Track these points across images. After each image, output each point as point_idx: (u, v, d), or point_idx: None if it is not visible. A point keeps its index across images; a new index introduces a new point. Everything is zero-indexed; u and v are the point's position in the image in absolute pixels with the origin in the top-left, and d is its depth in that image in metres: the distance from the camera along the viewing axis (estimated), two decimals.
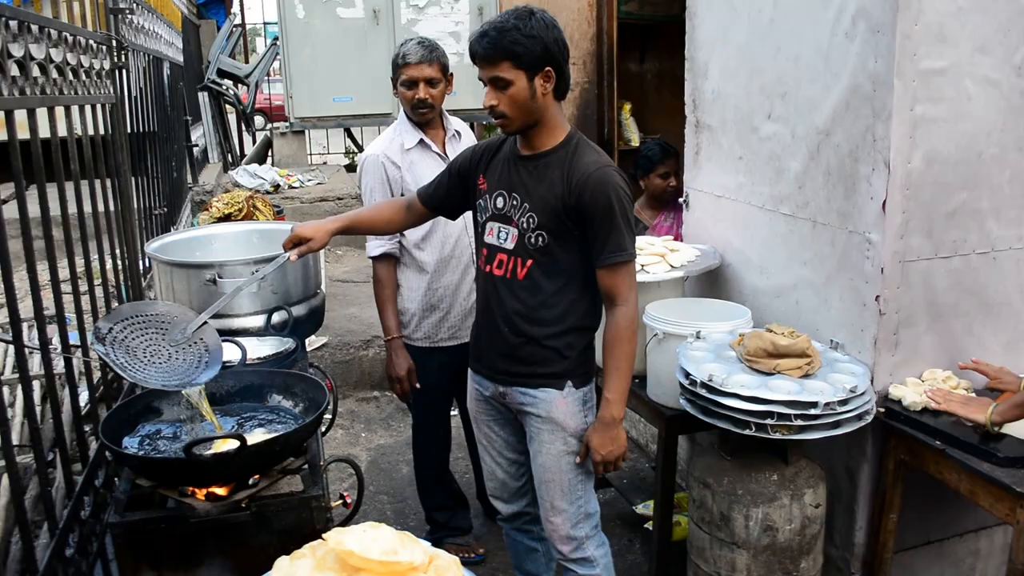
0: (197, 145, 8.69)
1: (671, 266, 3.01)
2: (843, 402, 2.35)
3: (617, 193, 2.26)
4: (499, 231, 2.40)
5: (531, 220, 2.32)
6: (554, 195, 2.29)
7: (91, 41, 2.88)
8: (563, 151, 2.33)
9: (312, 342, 5.07)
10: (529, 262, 2.34)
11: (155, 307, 2.35)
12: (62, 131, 2.50)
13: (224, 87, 9.60)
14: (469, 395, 2.66)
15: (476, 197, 2.48)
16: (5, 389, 3.74)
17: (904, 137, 2.44)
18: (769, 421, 2.36)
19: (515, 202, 2.36)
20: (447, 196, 2.59)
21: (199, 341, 2.27)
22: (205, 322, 2.29)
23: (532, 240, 2.33)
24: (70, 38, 2.54)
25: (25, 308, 2.11)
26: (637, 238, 2.79)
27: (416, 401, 3.26)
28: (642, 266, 2.95)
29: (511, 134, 2.38)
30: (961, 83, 2.47)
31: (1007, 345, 2.75)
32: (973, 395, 2.55)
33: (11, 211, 1.99)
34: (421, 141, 3.13)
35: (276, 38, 9.15)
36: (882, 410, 2.57)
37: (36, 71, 2.20)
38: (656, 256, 3.03)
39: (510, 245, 2.37)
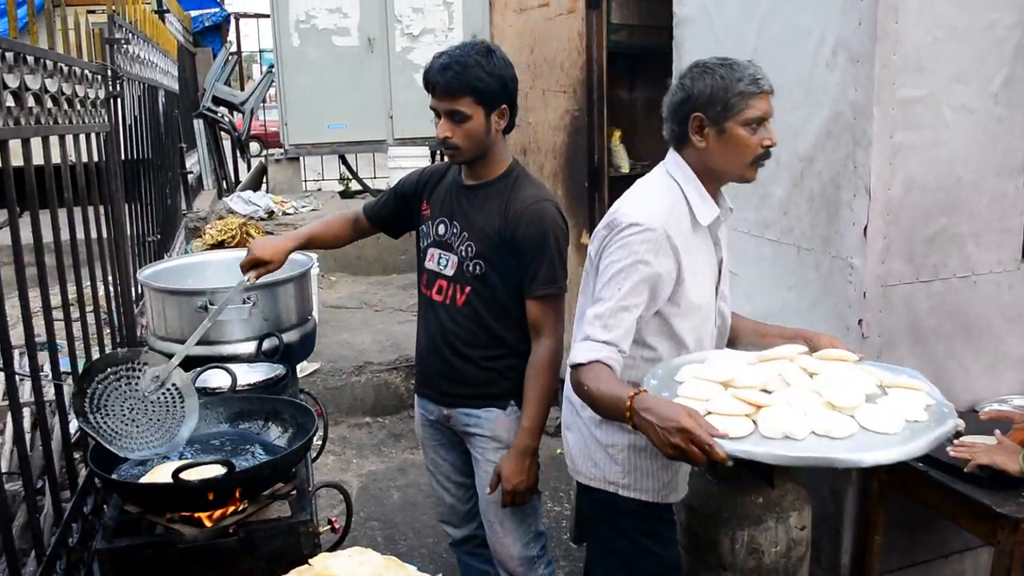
0: (192, 172, 8.73)
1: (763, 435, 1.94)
2: None
3: (552, 227, 2.31)
4: (439, 257, 2.44)
5: (470, 248, 2.36)
6: (492, 225, 2.33)
7: (86, 71, 2.92)
8: (503, 182, 2.38)
9: (304, 368, 5.08)
10: (468, 289, 2.38)
11: (120, 356, 2.20)
12: (55, 158, 2.53)
13: (219, 114, 9.67)
14: (416, 420, 2.68)
15: (419, 223, 2.51)
16: None
17: (884, 164, 2.49)
18: None
19: (455, 230, 2.40)
20: (392, 215, 2.61)
21: (172, 387, 2.18)
22: (176, 366, 2.18)
23: (470, 268, 2.37)
24: (66, 68, 2.58)
25: (15, 335, 2.12)
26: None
27: None
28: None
29: (458, 164, 2.42)
30: (939, 111, 2.53)
31: (988, 367, 2.78)
32: (994, 441, 2.34)
33: (3, 238, 2.01)
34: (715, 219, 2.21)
35: (272, 66, 9.24)
36: None
37: (31, 101, 2.23)
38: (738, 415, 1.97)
39: (450, 272, 2.41)
